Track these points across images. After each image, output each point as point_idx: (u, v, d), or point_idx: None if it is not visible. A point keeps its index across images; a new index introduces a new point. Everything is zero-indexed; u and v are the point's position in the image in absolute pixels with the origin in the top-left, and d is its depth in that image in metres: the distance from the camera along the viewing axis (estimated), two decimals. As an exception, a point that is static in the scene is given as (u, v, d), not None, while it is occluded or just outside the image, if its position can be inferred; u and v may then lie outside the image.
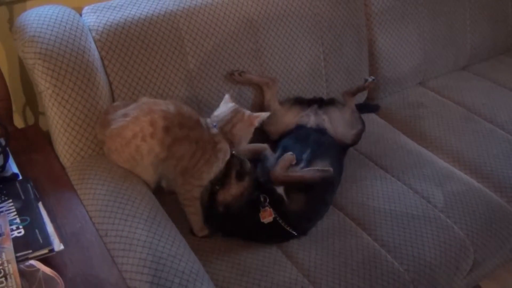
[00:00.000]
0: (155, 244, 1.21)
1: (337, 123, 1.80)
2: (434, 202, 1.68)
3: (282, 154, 1.61)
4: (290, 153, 1.58)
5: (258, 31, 1.76)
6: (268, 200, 1.50)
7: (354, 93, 1.89)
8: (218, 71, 1.70)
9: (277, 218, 1.49)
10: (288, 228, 1.50)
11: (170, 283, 1.14)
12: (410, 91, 2.24)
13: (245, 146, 1.60)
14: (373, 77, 1.89)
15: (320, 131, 1.75)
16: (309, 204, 1.54)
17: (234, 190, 1.50)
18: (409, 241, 1.54)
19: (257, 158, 1.65)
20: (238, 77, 1.74)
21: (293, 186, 1.54)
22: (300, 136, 1.72)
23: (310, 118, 1.78)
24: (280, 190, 1.53)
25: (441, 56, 2.28)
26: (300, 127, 1.77)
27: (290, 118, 1.80)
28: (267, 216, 1.49)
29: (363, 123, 1.84)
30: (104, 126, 1.43)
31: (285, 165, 1.56)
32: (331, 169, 1.58)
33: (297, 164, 1.59)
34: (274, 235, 1.52)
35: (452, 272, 1.56)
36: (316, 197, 1.57)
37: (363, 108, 2.02)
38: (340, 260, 1.47)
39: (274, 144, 1.73)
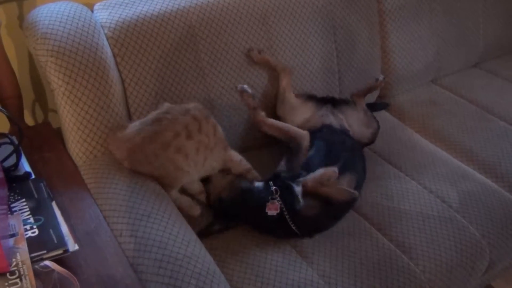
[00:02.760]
0: (171, 245, 1.19)
1: (353, 122, 1.78)
2: (449, 202, 1.66)
3: (316, 156, 1.60)
4: (334, 169, 1.52)
5: (271, 28, 1.74)
6: (279, 193, 1.48)
7: (365, 94, 1.87)
8: (231, 68, 1.68)
9: (285, 213, 1.47)
10: (292, 226, 1.48)
11: (187, 284, 1.12)
12: (423, 89, 2.22)
13: (281, 124, 1.65)
14: (383, 76, 1.87)
15: (345, 133, 1.73)
16: (321, 215, 1.52)
17: (219, 182, 1.52)
18: (424, 242, 1.53)
19: (287, 143, 1.65)
20: (257, 54, 1.72)
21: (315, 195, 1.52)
22: (331, 140, 1.68)
23: (331, 118, 1.76)
24: (298, 189, 1.51)
25: (453, 54, 2.26)
26: (327, 128, 1.73)
27: (307, 114, 1.78)
28: (273, 209, 1.47)
29: (377, 122, 1.82)
30: (122, 141, 1.41)
31: (323, 179, 1.51)
32: (357, 192, 1.56)
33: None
34: (278, 228, 1.50)
35: (468, 273, 1.55)
36: (331, 212, 1.55)
37: (372, 107, 2.00)
38: (355, 261, 1.45)
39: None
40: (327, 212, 1.53)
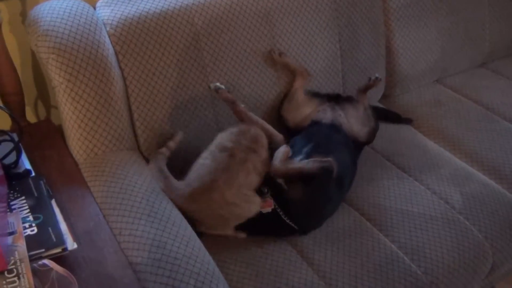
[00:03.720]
0: (170, 244, 1.19)
1: (352, 119, 1.77)
2: (452, 203, 1.64)
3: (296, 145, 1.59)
4: (284, 145, 1.54)
5: (275, 26, 1.73)
6: (269, 192, 1.47)
7: (363, 91, 1.86)
8: (234, 66, 1.67)
9: (277, 209, 1.46)
10: (287, 220, 1.47)
11: (186, 284, 1.12)
12: (427, 88, 2.20)
13: (260, 120, 1.62)
14: (377, 75, 1.85)
15: (335, 127, 1.71)
16: (308, 194, 1.50)
17: None
18: (427, 243, 1.51)
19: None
20: (277, 57, 1.73)
21: (293, 178, 1.51)
22: (309, 132, 1.69)
23: (326, 114, 1.75)
24: (280, 180, 1.50)
25: (459, 53, 2.24)
26: (314, 123, 1.73)
27: (308, 110, 1.77)
28: (266, 206, 1.46)
29: (376, 121, 1.81)
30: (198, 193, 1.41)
31: (282, 158, 1.50)
32: (330, 159, 1.51)
33: (295, 156, 1.55)
34: (274, 227, 1.49)
35: (470, 276, 1.53)
36: (316, 188, 1.52)
37: (395, 120, 2.01)
38: (357, 262, 1.44)
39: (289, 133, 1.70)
40: (314, 189, 1.50)
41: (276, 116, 1.78)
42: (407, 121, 2.02)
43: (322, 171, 1.49)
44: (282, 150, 1.52)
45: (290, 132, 1.72)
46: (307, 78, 1.80)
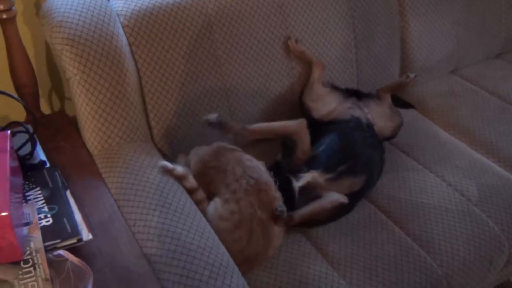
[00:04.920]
0: (184, 236, 1.18)
1: (376, 116, 1.75)
2: (468, 196, 1.63)
3: (324, 153, 1.57)
4: (280, 210, 1.39)
5: (289, 16, 1.72)
6: (278, 184, 1.46)
7: (393, 90, 1.84)
8: (247, 57, 1.66)
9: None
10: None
11: (200, 275, 1.12)
12: (443, 79, 2.17)
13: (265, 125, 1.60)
14: (414, 74, 1.83)
15: (370, 128, 1.70)
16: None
17: None
18: (442, 235, 1.50)
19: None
20: (293, 44, 1.72)
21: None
22: (348, 137, 1.63)
23: (358, 111, 1.73)
24: (296, 185, 1.49)
25: (474, 44, 2.21)
26: (354, 121, 1.69)
27: (332, 104, 1.75)
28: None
29: (401, 116, 1.80)
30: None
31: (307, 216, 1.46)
32: (346, 201, 1.48)
33: (326, 172, 1.52)
34: None
35: (486, 268, 1.52)
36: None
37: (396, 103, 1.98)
38: (371, 254, 1.44)
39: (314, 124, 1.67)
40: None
41: (290, 107, 1.77)
42: (407, 105, 2.00)
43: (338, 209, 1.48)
44: (318, 208, 1.47)
45: (314, 122, 1.68)
46: (323, 69, 1.78)
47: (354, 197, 1.54)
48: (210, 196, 1.41)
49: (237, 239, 1.33)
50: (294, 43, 1.72)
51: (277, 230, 1.39)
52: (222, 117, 1.54)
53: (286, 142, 1.64)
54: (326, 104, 1.75)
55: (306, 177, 1.51)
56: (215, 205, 1.37)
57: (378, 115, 1.75)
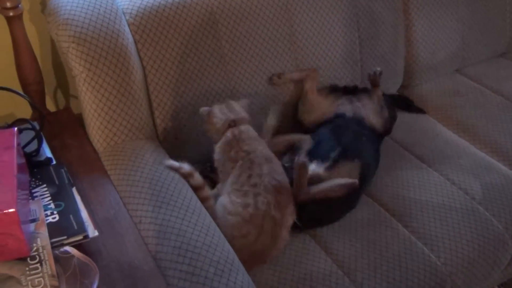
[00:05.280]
0: (190, 233, 1.19)
1: (369, 111, 1.75)
2: (472, 194, 1.63)
3: (316, 146, 1.59)
4: (302, 160, 1.46)
5: (294, 15, 1.72)
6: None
7: (372, 85, 1.83)
8: (252, 56, 1.67)
9: None
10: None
11: (205, 272, 1.12)
12: (447, 78, 2.18)
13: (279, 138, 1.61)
14: (379, 69, 1.81)
15: (358, 120, 1.70)
16: (322, 209, 1.50)
17: None
18: (446, 234, 1.50)
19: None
20: (277, 80, 1.72)
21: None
22: (336, 128, 1.66)
23: (347, 107, 1.73)
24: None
25: (479, 43, 2.21)
26: (338, 116, 1.72)
27: (327, 106, 1.75)
28: None
29: (391, 112, 1.80)
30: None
31: (301, 182, 1.46)
32: (356, 181, 1.48)
33: (322, 161, 1.53)
34: None
35: (490, 267, 1.53)
36: (332, 205, 1.51)
37: (408, 107, 2.00)
38: (376, 252, 1.44)
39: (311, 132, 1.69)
40: (328, 205, 1.49)
41: (294, 106, 1.78)
42: (419, 110, 1.99)
43: (347, 192, 1.49)
44: (300, 172, 1.45)
45: (309, 131, 1.70)
46: (316, 77, 1.77)
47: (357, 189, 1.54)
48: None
49: (246, 234, 1.34)
50: (278, 79, 1.72)
51: (285, 232, 1.40)
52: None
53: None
54: (317, 110, 1.75)
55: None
56: (229, 199, 1.39)
57: (370, 110, 1.76)
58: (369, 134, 1.69)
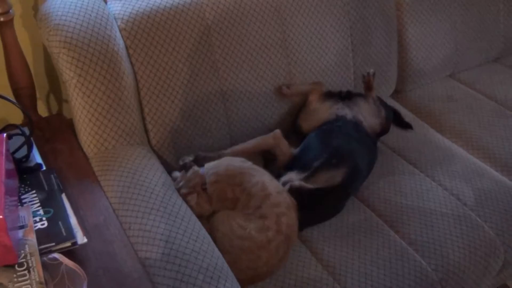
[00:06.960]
0: (179, 239, 1.19)
1: (365, 114, 1.76)
2: (464, 200, 1.63)
3: (302, 152, 1.61)
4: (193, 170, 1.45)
5: (286, 20, 1.72)
6: None
7: (367, 89, 1.84)
8: (244, 61, 1.67)
9: None
10: None
11: (194, 279, 1.12)
12: (440, 83, 2.18)
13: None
14: (372, 70, 1.82)
15: (355, 124, 1.71)
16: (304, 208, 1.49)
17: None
18: (437, 240, 1.50)
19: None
20: (286, 90, 1.73)
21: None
22: (326, 133, 1.66)
23: (343, 111, 1.74)
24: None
25: (472, 48, 2.22)
26: (335, 121, 1.71)
27: (321, 113, 1.75)
28: None
29: (387, 110, 1.81)
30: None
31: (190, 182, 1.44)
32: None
33: (302, 171, 1.54)
34: None
35: (481, 273, 1.52)
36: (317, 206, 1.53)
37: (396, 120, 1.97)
38: (366, 258, 1.44)
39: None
40: (311, 208, 1.51)
41: (286, 111, 1.78)
42: (407, 125, 1.94)
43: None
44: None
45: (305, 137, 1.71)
46: (321, 90, 1.79)
47: (341, 191, 1.54)
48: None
49: (255, 259, 1.33)
50: (287, 89, 1.73)
51: (289, 252, 1.40)
52: (197, 153, 1.59)
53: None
54: (316, 116, 1.76)
55: (282, 180, 1.52)
56: (239, 223, 1.37)
57: (366, 112, 1.76)
58: (363, 137, 1.69)
